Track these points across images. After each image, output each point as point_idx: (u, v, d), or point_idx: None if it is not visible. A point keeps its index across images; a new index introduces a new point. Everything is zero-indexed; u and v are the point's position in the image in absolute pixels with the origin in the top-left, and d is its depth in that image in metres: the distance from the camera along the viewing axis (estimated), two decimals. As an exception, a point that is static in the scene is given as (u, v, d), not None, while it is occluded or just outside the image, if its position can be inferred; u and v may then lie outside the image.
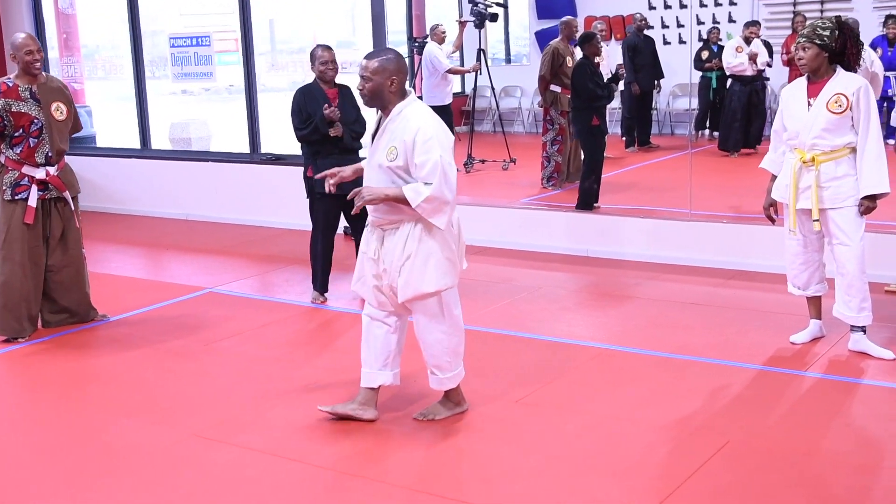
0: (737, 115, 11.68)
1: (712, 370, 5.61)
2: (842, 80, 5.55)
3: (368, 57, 4.67)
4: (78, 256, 6.76)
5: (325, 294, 7.30)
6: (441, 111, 11.25)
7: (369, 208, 4.75)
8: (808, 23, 5.73)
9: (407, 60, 12.62)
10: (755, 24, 11.72)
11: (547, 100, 10.50)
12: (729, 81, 12.04)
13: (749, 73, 11.69)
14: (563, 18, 10.69)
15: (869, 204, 5.54)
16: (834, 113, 5.50)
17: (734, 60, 11.70)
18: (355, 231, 7.33)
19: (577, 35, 10.06)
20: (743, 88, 11.78)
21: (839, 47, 5.55)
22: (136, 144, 11.39)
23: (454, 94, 11.94)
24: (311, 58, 7.09)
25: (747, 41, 11.66)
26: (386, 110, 4.70)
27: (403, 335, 5.00)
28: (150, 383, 5.72)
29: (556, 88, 10.38)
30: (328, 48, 7.04)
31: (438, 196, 4.52)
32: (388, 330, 4.93)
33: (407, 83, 4.74)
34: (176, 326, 6.80)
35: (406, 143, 4.55)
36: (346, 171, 5.00)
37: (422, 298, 4.71)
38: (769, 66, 11.75)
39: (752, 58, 11.59)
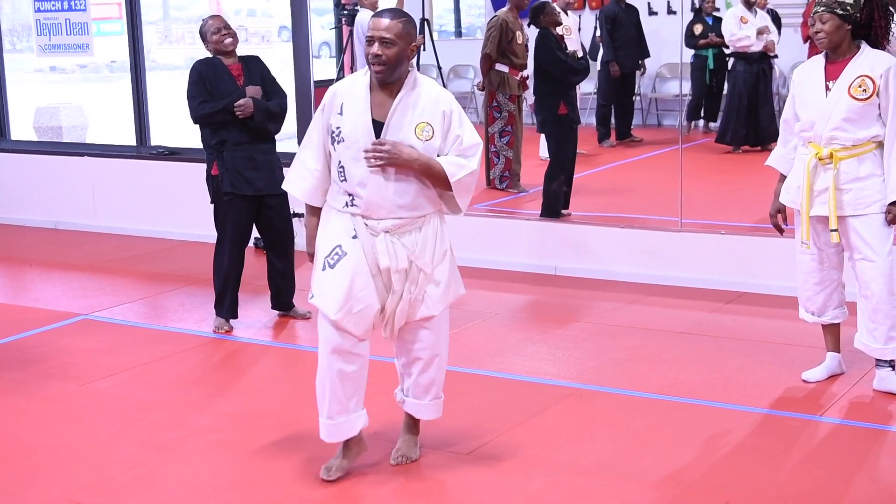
0: (742, 101, 11.77)
1: (708, 414, 5.64)
2: (867, 60, 5.60)
3: (383, 15, 4.65)
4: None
5: (231, 321, 7.26)
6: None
7: (380, 212, 4.70)
8: (827, -12, 5.76)
9: (334, 32, 12.73)
10: None
11: (493, 82, 10.51)
12: (730, 61, 12.13)
13: (755, 49, 11.77)
14: None
15: (898, 211, 5.61)
16: (857, 99, 5.56)
17: (738, 32, 11.76)
18: (270, 244, 7.32)
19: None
20: (748, 69, 11.87)
21: (865, 19, 5.60)
22: (-9, 134, 11.29)
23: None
24: (201, 37, 7.13)
25: (749, 6, 11.73)
26: (397, 84, 4.69)
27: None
28: (10, 435, 5.63)
29: (502, 68, 10.41)
30: (216, 16, 7.26)
31: (476, 172, 4.72)
32: (362, 362, 4.89)
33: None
34: (42, 363, 6.71)
35: (445, 115, 4.67)
36: (402, 148, 4.67)
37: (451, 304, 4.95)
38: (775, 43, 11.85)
39: (762, 31, 11.67)
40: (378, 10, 4.67)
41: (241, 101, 6.90)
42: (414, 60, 4.82)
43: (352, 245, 4.73)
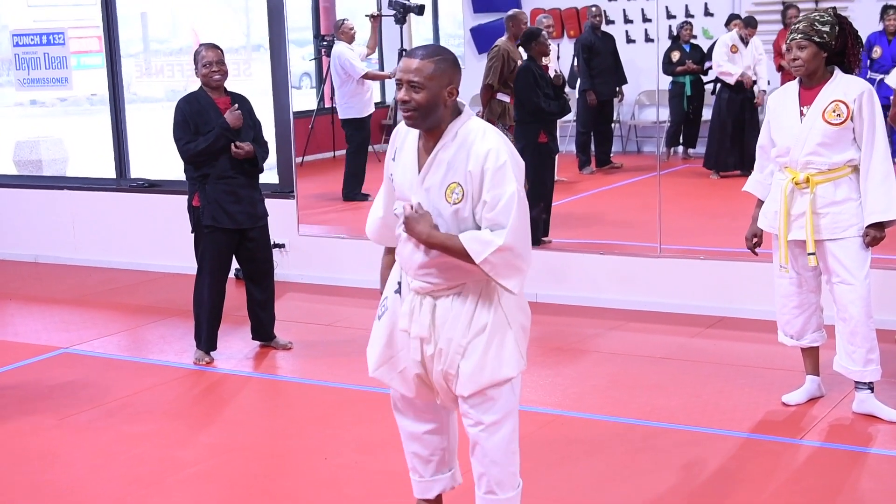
0: (726, 128, 11.81)
1: (688, 439, 5.64)
2: (840, 85, 5.64)
3: (414, 54, 4.08)
4: None
5: (212, 353, 7.23)
6: (357, 125, 11.31)
7: (411, 269, 4.22)
8: (802, 15, 5.80)
9: (313, 63, 12.75)
10: (752, 22, 11.82)
11: (494, 111, 10.53)
12: (717, 86, 12.16)
13: (743, 78, 11.81)
14: (510, 12, 10.64)
15: (875, 233, 5.62)
16: (831, 124, 5.59)
17: (724, 65, 11.76)
18: (249, 275, 7.31)
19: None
20: (733, 96, 11.91)
21: (839, 46, 5.65)
22: (-29, 168, 11.27)
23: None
24: (194, 60, 7.08)
25: (743, 41, 11.77)
26: (435, 132, 4.13)
27: (455, 425, 4.59)
28: (-12, 468, 5.61)
29: (504, 98, 10.42)
30: (213, 47, 7.04)
31: (514, 247, 3.98)
32: (437, 424, 4.50)
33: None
34: (21, 397, 6.68)
35: (472, 175, 4.02)
36: (414, 224, 4.13)
37: (499, 386, 4.19)
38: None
39: (746, 70, 11.67)
40: (411, 49, 4.15)
41: (246, 147, 6.95)
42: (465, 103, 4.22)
43: (394, 299, 4.35)
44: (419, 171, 4.14)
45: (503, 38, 10.53)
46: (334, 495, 5.09)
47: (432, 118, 4.08)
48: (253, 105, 7.27)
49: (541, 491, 5.00)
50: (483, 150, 4.01)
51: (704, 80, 12.20)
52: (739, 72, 11.66)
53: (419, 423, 4.48)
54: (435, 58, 4.05)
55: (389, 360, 4.36)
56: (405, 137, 4.26)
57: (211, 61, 6.99)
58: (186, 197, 7.19)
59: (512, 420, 4.25)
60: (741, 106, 11.86)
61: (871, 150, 5.57)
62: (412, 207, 4.12)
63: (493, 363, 4.14)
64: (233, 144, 6.92)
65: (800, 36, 5.62)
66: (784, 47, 5.76)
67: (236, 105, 7.02)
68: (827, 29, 5.59)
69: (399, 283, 4.30)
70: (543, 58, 9.28)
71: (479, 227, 4.05)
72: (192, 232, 7.21)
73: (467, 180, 4.02)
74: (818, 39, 5.59)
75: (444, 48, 4.17)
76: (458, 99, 4.12)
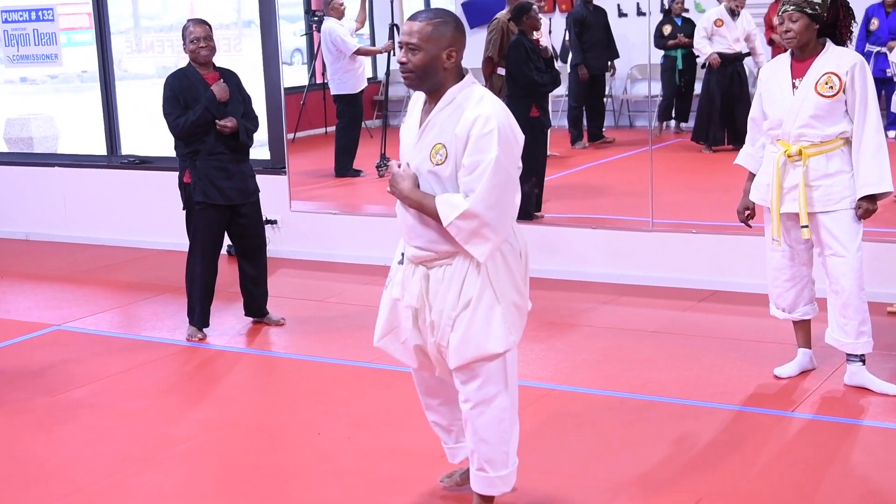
0: (715, 102, 11.80)
1: (680, 412, 5.65)
2: (832, 57, 5.64)
3: (415, 18, 4.10)
4: None
5: (205, 329, 7.24)
6: (350, 101, 11.29)
7: (406, 235, 4.27)
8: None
9: (304, 39, 12.71)
10: None
11: (495, 86, 10.51)
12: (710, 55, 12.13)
13: (729, 52, 11.77)
14: None
15: (868, 206, 5.63)
16: (824, 96, 5.59)
17: (702, 47, 11.73)
18: (242, 251, 7.31)
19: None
20: (723, 70, 11.90)
21: (830, 18, 5.64)
22: (-38, 146, 11.24)
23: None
24: (182, 36, 7.06)
25: (732, 13, 11.73)
26: (435, 95, 4.16)
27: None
28: (-19, 446, 5.61)
29: (504, 72, 10.40)
30: (201, 22, 7.01)
31: (480, 214, 3.97)
32: (444, 399, 4.56)
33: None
34: (13, 375, 6.67)
35: (458, 138, 4.02)
36: (398, 180, 4.21)
37: (486, 361, 4.19)
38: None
39: (748, 39, 11.63)
40: (415, 13, 4.16)
41: (229, 124, 6.92)
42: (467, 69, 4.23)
43: (396, 269, 4.40)
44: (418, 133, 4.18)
45: (504, 11, 10.49)
46: (328, 470, 5.10)
47: (431, 81, 4.11)
48: (242, 79, 7.24)
49: (533, 463, 4.99)
50: (473, 115, 4.01)
51: (696, 54, 12.17)
52: (710, 52, 11.64)
53: (430, 396, 4.55)
54: (435, 20, 4.07)
55: (392, 330, 4.41)
56: (415, 102, 4.31)
57: (198, 37, 6.97)
58: (177, 174, 7.18)
59: (503, 399, 4.24)
60: (730, 79, 11.85)
61: (863, 123, 5.57)
62: (399, 166, 4.18)
63: (479, 338, 4.14)
64: (217, 123, 6.90)
65: (792, 8, 5.61)
66: (776, 20, 5.75)
67: (222, 79, 7.01)
68: (819, 1, 5.58)
69: (403, 254, 4.33)
70: (534, 32, 9.27)
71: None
72: (183, 209, 7.20)
73: (452, 142, 4.04)
74: (810, 11, 5.58)
75: (447, 12, 4.19)
76: (463, 66, 4.15)
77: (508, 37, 10.28)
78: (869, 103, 5.57)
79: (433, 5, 15.33)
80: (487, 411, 4.23)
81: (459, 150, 4.01)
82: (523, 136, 4.15)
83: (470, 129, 3.99)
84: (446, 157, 4.05)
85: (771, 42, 11.28)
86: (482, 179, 3.96)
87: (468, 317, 4.13)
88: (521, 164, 4.15)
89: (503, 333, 4.16)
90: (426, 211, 4.09)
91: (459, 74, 4.15)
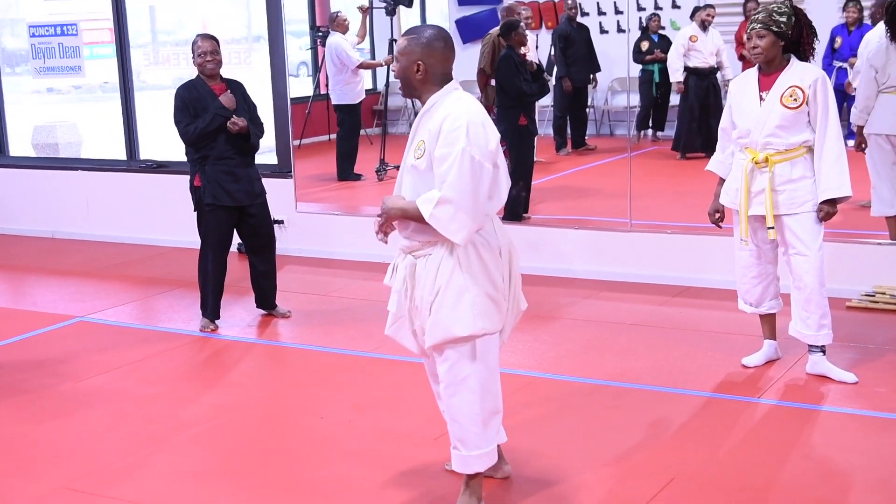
0: (693, 112, 11.82)
1: (655, 399, 5.67)
2: (797, 72, 5.66)
3: (404, 33, 4.27)
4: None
5: (217, 321, 7.25)
6: (350, 111, 11.30)
7: (399, 228, 4.34)
8: (761, 7, 5.82)
9: (309, 53, 12.70)
10: (710, 6, 11.81)
11: (489, 97, 10.52)
12: (685, 74, 12.16)
13: (704, 66, 11.81)
14: (504, 3, 10.72)
15: (829, 209, 5.65)
16: (789, 108, 5.61)
17: (676, 66, 11.76)
18: (252, 248, 7.32)
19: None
20: (699, 83, 11.91)
21: (795, 36, 5.67)
22: (-7, 151, 11.22)
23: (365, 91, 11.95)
24: (191, 49, 7.07)
25: (703, 26, 11.75)
26: (423, 101, 4.26)
27: None
28: (9, 429, 5.61)
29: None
30: (208, 37, 7.02)
31: (451, 199, 4.01)
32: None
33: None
34: (39, 362, 6.68)
35: (431, 133, 4.10)
36: (387, 202, 4.30)
37: (452, 344, 4.19)
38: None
39: (717, 54, 11.66)
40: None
41: (240, 122, 6.91)
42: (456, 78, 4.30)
43: (397, 261, 4.45)
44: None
45: (497, 27, 10.50)
46: (330, 451, 5.12)
47: (409, 89, 4.26)
48: (250, 90, 7.25)
49: (518, 446, 5.02)
50: (444, 112, 4.11)
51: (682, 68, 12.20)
52: (681, 69, 11.67)
53: (435, 382, 4.54)
54: (409, 36, 4.23)
55: (400, 319, 4.41)
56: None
57: (206, 51, 6.98)
58: (189, 177, 7.19)
59: (472, 382, 4.22)
60: (706, 91, 11.88)
61: (824, 132, 5.59)
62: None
63: (446, 321, 4.15)
64: (229, 121, 6.91)
65: (759, 26, 5.64)
66: (745, 37, 5.77)
67: (228, 90, 7.02)
68: (784, 19, 5.61)
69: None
70: (522, 47, 9.29)
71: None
72: (194, 210, 7.21)
73: (428, 138, 4.12)
74: (776, 29, 5.61)
75: (424, 28, 4.31)
76: (447, 74, 4.22)
77: (499, 51, 10.30)
78: (830, 114, 5.60)
79: (428, 21, 15.37)
80: (458, 392, 4.24)
81: (433, 144, 4.09)
82: (498, 135, 4.18)
83: (441, 124, 4.07)
84: (424, 150, 4.13)
85: (741, 57, 11.29)
86: (453, 169, 4.01)
87: (438, 301, 4.16)
88: (501, 161, 4.17)
89: (469, 319, 4.14)
90: (410, 215, 4.15)
91: (441, 83, 4.22)
